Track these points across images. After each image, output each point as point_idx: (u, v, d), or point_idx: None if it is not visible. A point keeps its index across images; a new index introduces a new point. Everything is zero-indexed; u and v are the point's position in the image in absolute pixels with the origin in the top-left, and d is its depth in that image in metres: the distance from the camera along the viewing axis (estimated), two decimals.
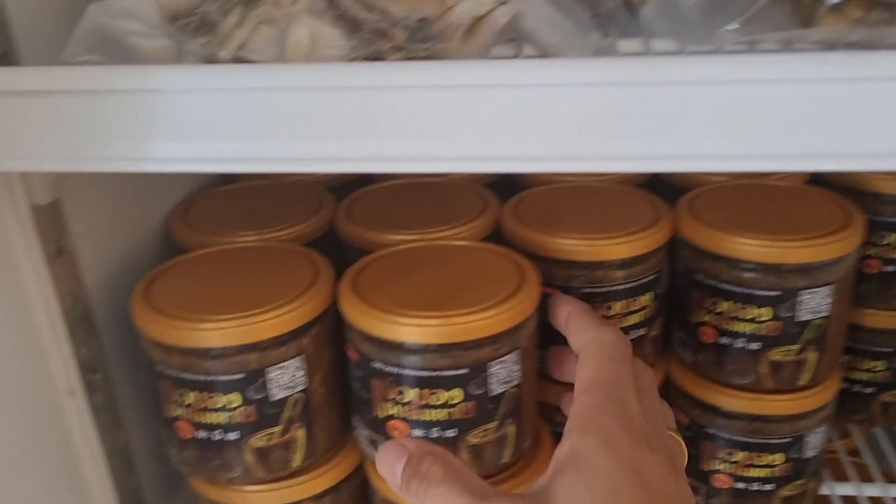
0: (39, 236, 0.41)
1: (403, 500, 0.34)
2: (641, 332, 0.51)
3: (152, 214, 0.55)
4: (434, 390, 0.41)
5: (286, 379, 0.43)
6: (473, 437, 0.43)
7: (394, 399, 0.42)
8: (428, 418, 0.42)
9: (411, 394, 0.42)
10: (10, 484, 0.40)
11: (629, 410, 0.35)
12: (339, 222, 0.54)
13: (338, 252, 0.53)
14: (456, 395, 0.41)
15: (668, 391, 0.57)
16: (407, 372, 0.41)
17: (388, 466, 0.35)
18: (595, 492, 0.32)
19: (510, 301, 0.42)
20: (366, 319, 0.42)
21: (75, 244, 0.44)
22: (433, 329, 0.40)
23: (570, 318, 0.41)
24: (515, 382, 0.43)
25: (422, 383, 0.41)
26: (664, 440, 0.36)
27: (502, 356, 0.42)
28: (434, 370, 0.41)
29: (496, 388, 0.42)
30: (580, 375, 0.37)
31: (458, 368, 0.41)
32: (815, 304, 0.48)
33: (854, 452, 0.67)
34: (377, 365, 0.42)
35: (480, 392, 0.42)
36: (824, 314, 0.49)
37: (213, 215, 0.55)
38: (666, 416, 0.40)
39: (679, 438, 0.39)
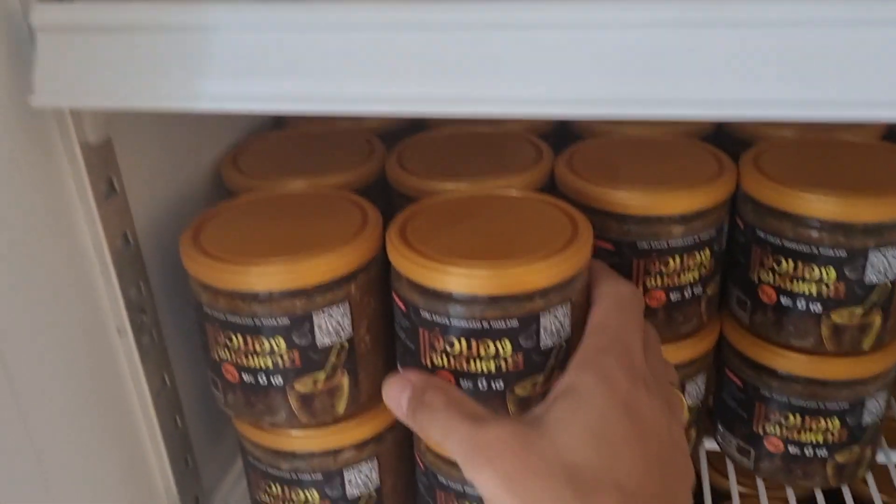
0: (90, 175, 0.40)
1: (446, 451, 0.34)
2: (698, 290, 0.49)
3: (203, 158, 0.54)
4: (483, 341, 0.40)
5: (332, 325, 0.43)
6: (520, 390, 0.42)
7: (442, 350, 0.41)
8: (475, 370, 0.41)
9: (460, 345, 0.41)
10: (63, 420, 0.41)
11: (631, 354, 0.36)
12: (389, 170, 0.53)
13: (387, 200, 0.52)
14: (505, 346, 0.40)
15: (723, 352, 0.55)
16: (455, 322, 0.40)
17: (394, 398, 0.38)
18: (587, 421, 0.33)
19: (563, 254, 0.40)
20: (414, 268, 0.41)
21: (126, 184, 0.43)
22: (483, 280, 0.39)
23: (591, 271, 0.42)
24: (565, 336, 0.42)
25: (470, 334, 0.40)
26: (663, 388, 0.37)
27: (553, 308, 0.41)
28: (483, 321, 0.40)
29: (546, 341, 0.41)
30: (590, 321, 0.39)
31: (507, 320, 0.40)
32: (883, 265, 0.46)
33: None
34: (425, 315, 0.41)
35: (530, 344, 0.41)
36: (893, 277, 0.47)
37: (263, 160, 0.55)
38: (668, 372, 0.41)
39: (681, 395, 0.39)
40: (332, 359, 0.44)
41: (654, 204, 0.46)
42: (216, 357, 0.44)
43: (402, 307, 0.43)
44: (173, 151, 0.51)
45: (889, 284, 0.47)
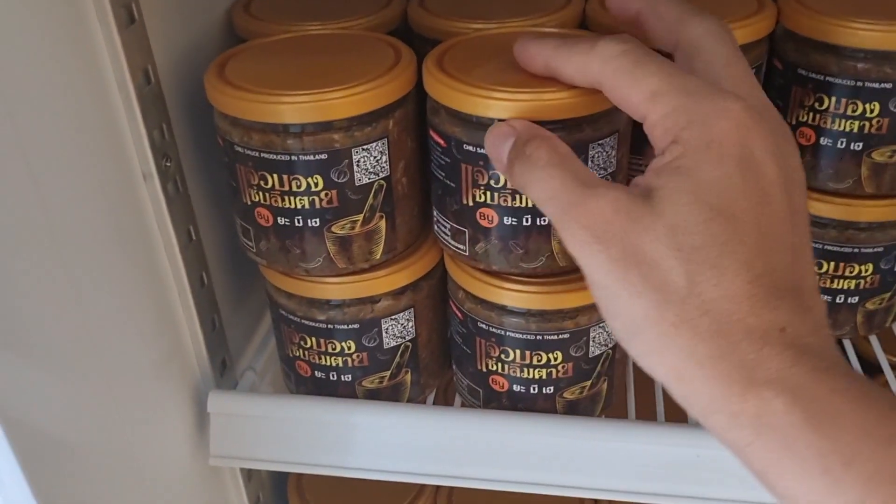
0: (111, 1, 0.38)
1: (545, 213, 0.32)
2: None
3: (216, 5, 0.51)
4: None
5: (370, 163, 0.41)
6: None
7: (485, 185, 0.40)
8: (520, 204, 0.40)
9: (503, 178, 0.39)
10: (97, 265, 0.39)
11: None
12: (412, 12, 0.50)
13: (411, 45, 0.50)
14: None
15: None
16: None
17: (495, 147, 0.35)
18: (702, 195, 0.28)
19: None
20: (456, 95, 0.39)
21: (145, 15, 0.41)
22: (528, 104, 0.38)
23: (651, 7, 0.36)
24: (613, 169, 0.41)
25: None
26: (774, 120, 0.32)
27: (603, 140, 0.39)
28: None
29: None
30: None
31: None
32: None
33: None
34: (468, 148, 0.40)
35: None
36: None
37: (277, 6, 0.52)
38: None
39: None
40: (371, 200, 0.42)
41: None
42: (248, 200, 0.42)
43: (442, 142, 0.41)
44: None
45: None
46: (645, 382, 0.45)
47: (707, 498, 0.45)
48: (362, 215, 0.42)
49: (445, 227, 0.43)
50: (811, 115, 0.48)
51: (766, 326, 0.28)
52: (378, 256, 0.44)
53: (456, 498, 0.64)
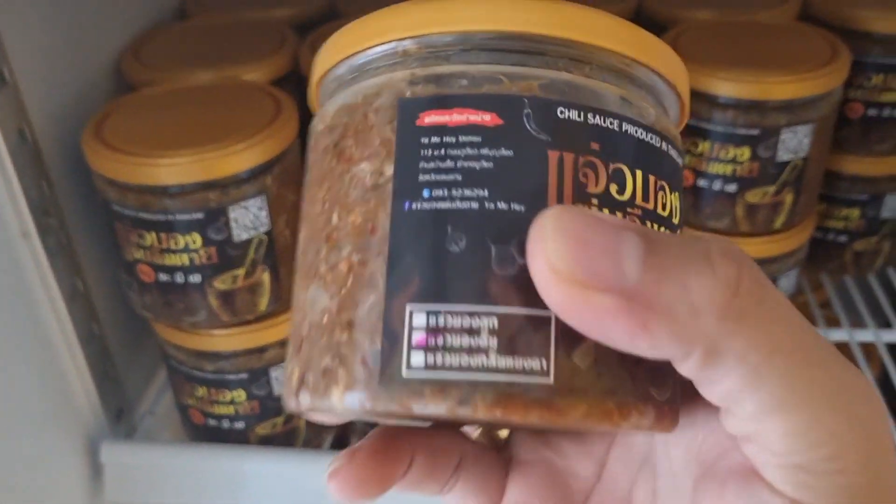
0: None
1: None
2: None
3: (103, 50, 0.51)
4: None
5: (248, 219, 0.42)
6: None
7: None
8: None
9: None
10: None
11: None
12: (304, 60, 0.51)
13: (302, 92, 0.51)
14: None
15: None
16: None
17: (605, 261, 0.16)
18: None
19: None
20: None
21: (18, 74, 0.40)
22: None
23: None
24: None
25: None
26: None
27: None
28: None
29: None
30: None
31: None
32: (795, 143, 0.47)
33: (825, 304, 0.67)
34: None
35: None
36: (803, 155, 0.48)
37: (167, 52, 0.52)
38: None
39: None
40: (251, 254, 0.43)
41: None
42: (130, 257, 0.42)
43: None
44: (70, 40, 0.47)
45: (800, 163, 0.48)
46: None
47: None
48: (244, 269, 0.43)
49: None
50: (689, 158, 0.49)
51: None
52: (263, 308, 0.45)
53: None
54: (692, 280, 0.15)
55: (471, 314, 0.16)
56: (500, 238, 0.17)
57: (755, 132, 0.47)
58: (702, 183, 0.49)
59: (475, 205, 0.17)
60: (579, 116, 0.17)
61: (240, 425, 0.48)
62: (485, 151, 0.17)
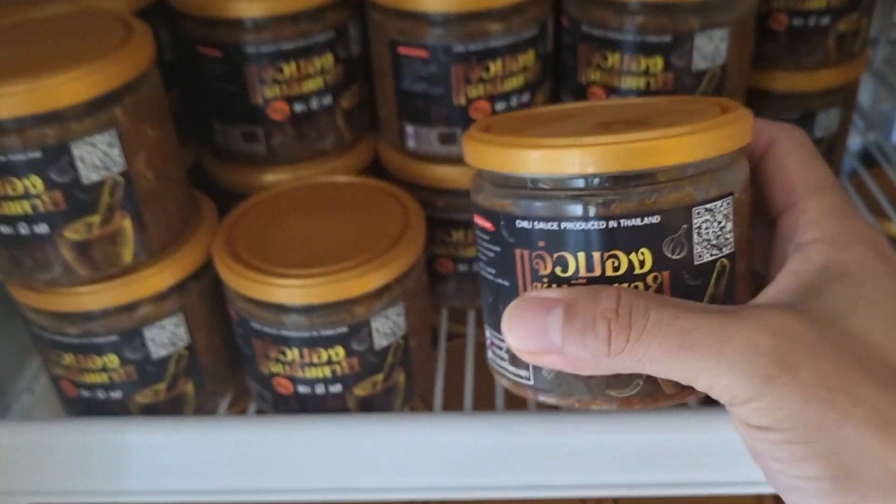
0: None
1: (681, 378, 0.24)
2: (525, 97, 0.45)
3: None
4: None
5: (97, 157, 0.36)
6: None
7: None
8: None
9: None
10: None
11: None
12: None
13: (171, 24, 0.45)
14: None
15: None
16: None
17: (582, 343, 0.24)
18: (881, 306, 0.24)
19: None
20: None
21: None
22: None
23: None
24: None
25: None
26: None
27: None
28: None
29: None
30: (792, 176, 0.28)
31: None
32: (711, 49, 0.43)
33: None
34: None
35: None
36: (721, 62, 0.44)
37: None
38: None
39: None
40: (106, 198, 0.38)
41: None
42: None
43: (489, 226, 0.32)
44: None
45: (718, 72, 0.44)
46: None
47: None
48: (99, 216, 0.38)
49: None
50: (599, 73, 0.45)
51: None
52: (128, 259, 0.40)
53: None
54: (589, 341, 0.24)
55: (499, 339, 0.28)
56: (501, 298, 0.27)
57: (667, 38, 0.42)
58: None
59: (490, 277, 0.28)
60: (530, 224, 0.26)
61: (116, 395, 0.43)
62: (488, 245, 0.28)
